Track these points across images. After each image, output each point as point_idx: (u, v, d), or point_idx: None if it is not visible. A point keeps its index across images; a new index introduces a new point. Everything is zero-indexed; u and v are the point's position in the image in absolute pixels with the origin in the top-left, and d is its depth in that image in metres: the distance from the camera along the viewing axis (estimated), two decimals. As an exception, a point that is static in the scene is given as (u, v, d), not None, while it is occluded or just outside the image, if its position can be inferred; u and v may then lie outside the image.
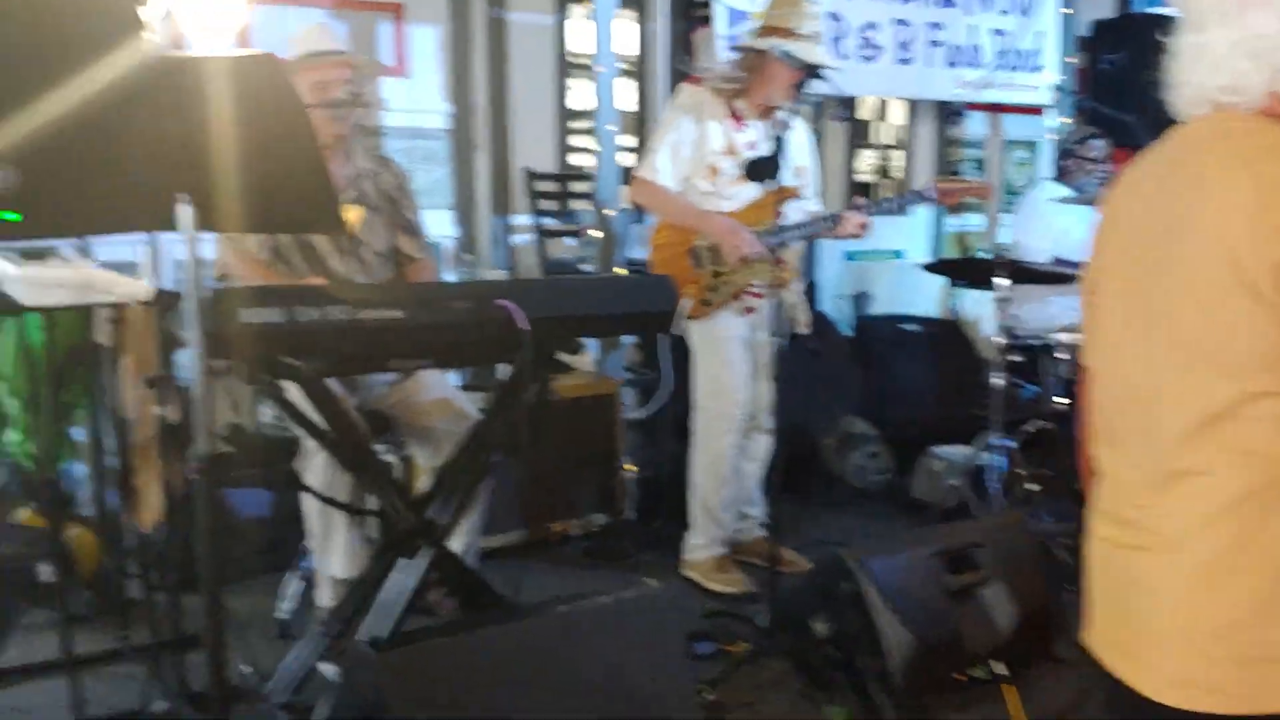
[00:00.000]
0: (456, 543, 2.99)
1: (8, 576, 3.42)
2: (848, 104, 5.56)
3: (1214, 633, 1.31)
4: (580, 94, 5.29)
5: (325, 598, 3.20)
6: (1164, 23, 4.80)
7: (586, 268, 4.78)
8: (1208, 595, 1.32)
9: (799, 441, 4.65)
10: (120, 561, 3.01)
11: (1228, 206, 1.28)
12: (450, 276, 4.79)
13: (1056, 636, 2.93)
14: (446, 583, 3.00)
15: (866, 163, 6.39)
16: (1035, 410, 4.60)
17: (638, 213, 5.16)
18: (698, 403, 3.79)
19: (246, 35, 4.27)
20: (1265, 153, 1.30)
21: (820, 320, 5.01)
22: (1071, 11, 5.71)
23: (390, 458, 3.68)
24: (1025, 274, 4.08)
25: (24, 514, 3.56)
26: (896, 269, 6.33)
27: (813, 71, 3.40)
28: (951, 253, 6.63)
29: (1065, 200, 4.48)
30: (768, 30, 3.63)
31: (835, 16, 4.74)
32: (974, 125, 6.55)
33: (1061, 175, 4.84)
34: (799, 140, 3.86)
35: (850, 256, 6.18)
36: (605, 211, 4.34)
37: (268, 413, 3.54)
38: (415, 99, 4.83)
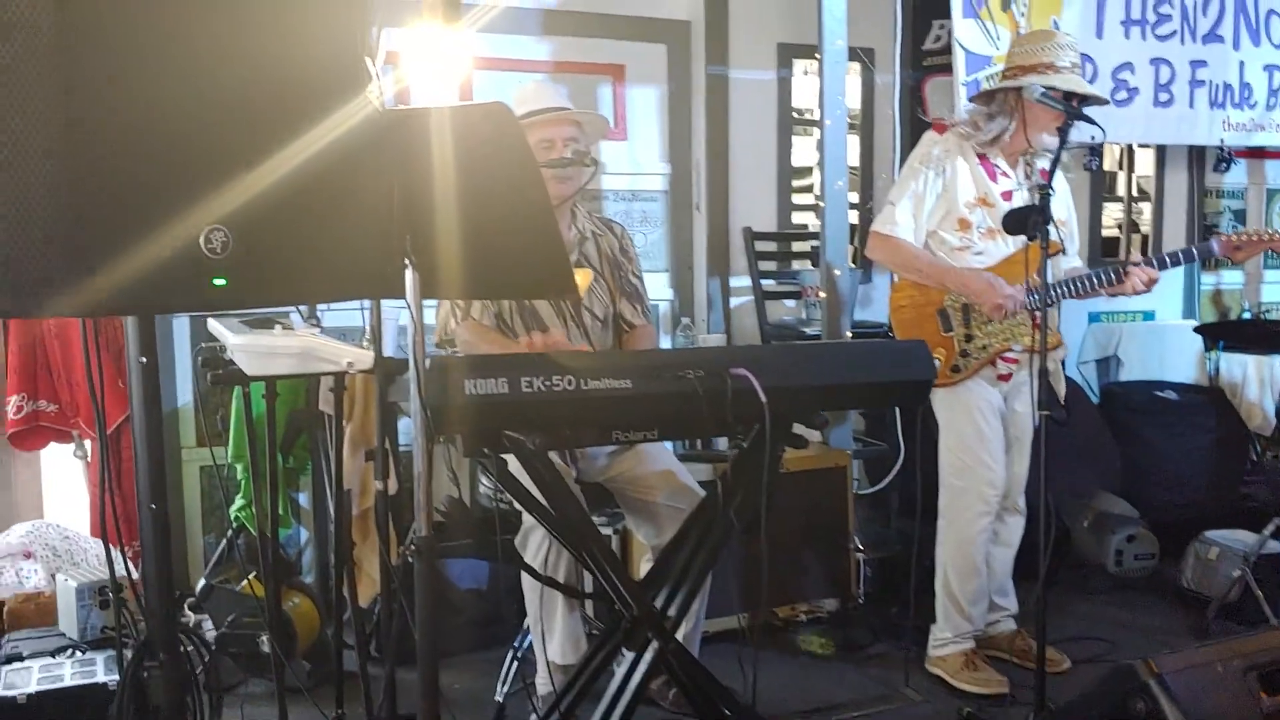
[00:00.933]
0: (680, 628, 2.75)
1: (230, 644, 3.40)
2: (1096, 151, 5.12)
3: None
4: (802, 151, 5.06)
5: (543, 682, 3.01)
6: None
7: (810, 330, 4.51)
8: None
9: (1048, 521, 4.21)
10: (339, 634, 2.92)
11: None
12: (665, 340, 4.62)
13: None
14: (671, 674, 2.75)
15: (1111, 216, 5.90)
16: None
17: (864, 272, 4.88)
18: (945, 481, 3.45)
19: (468, 97, 4.26)
20: None
21: (1066, 387, 4.57)
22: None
23: (608, 531, 3.50)
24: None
25: (247, 581, 3.54)
26: (1147, 331, 5.77)
27: (1076, 112, 3.04)
28: (1208, 312, 6.02)
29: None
30: (1022, 69, 3.31)
31: (1086, 58, 4.34)
32: (1233, 173, 5.96)
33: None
34: (1058, 190, 3.49)
35: (1094, 318, 5.68)
36: (833, 271, 4.06)
37: (486, 482, 3.41)
38: (634, 160, 4.71)
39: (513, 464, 2.42)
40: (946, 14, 4.84)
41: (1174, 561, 4.25)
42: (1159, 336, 5.71)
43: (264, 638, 3.26)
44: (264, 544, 2.90)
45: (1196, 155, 5.75)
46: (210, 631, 3.47)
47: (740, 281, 4.87)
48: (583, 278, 2.78)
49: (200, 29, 1.41)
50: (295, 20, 1.52)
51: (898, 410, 4.09)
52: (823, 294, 4.14)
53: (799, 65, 4.97)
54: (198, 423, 4.15)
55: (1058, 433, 4.48)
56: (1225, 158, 5.13)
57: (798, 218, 5.08)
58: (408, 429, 2.69)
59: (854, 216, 4.65)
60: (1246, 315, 5.98)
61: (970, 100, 3.58)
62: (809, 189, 5.20)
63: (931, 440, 4.00)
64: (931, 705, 3.32)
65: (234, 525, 3.74)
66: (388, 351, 2.44)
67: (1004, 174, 3.40)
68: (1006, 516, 3.52)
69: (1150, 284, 3.28)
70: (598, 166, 2.86)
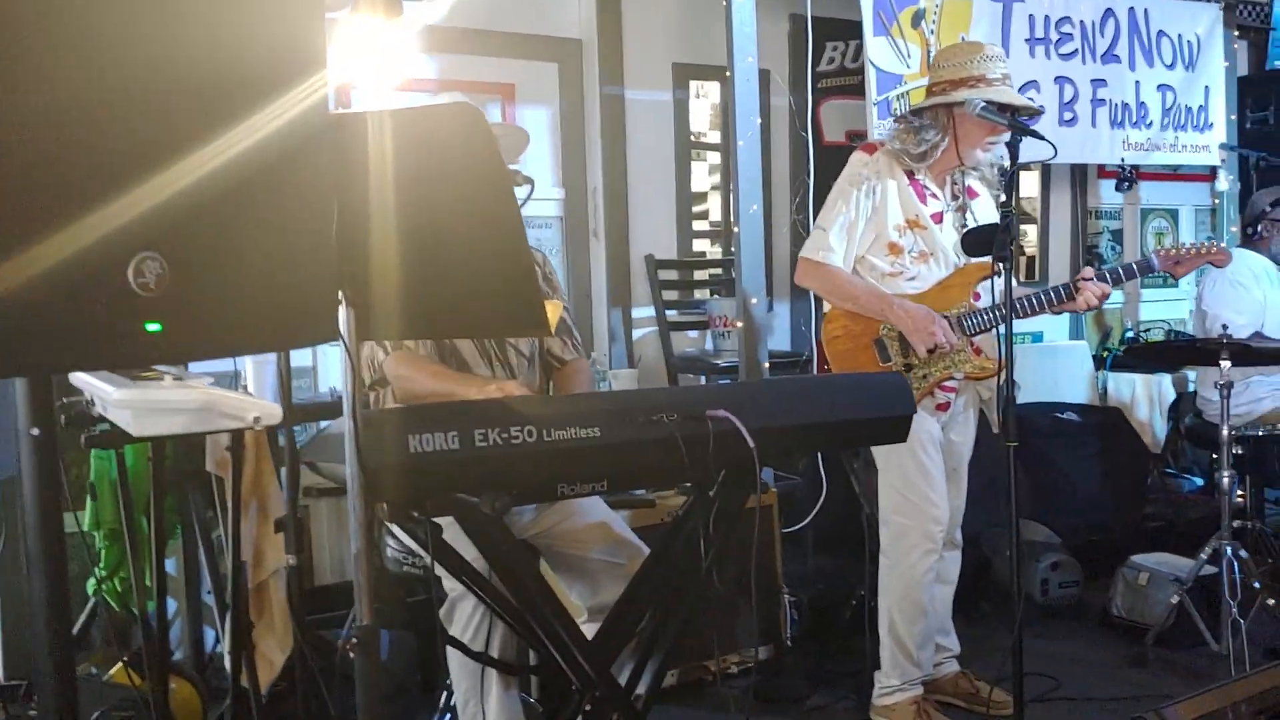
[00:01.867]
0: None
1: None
2: (1003, 172, 5.07)
3: None
4: (700, 175, 4.87)
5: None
6: None
7: (721, 363, 4.28)
8: None
9: (970, 554, 4.08)
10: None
11: None
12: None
13: None
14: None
15: (998, 238, 5.90)
16: (1239, 508, 4.02)
17: (769, 300, 4.70)
18: (887, 518, 3.25)
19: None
20: None
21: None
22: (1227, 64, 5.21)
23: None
24: (1251, 355, 3.52)
25: (114, 667, 3.08)
26: (1039, 353, 5.77)
27: (1020, 126, 2.90)
28: (1091, 332, 6.08)
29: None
30: (952, 83, 3.15)
31: (994, 76, 4.27)
32: (1108, 194, 6.05)
33: (1252, 242, 4.29)
34: (986, 207, 3.36)
35: (989, 341, 5.64)
36: (749, 300, 3.85)
37: (395, 544, 3.05)
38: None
39: (448, 528, 2.10)
40: (841, 36, 4.74)
41: (1094, 585, 4.18)
42: (1051, 358, 5.72)
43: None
44: (144, 624, 2.47)
45: (1079, 175, 5.80)
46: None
47: (642, 312, 4.62)
48: (552, 310, 2.46)
49: (119, 8, 1.06)
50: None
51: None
52: (738, 324, 3.92)
53: (695, 86, 4.78)
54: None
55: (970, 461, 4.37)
56: (1127, 177, 5.16)
57: (697, 245, 4.87)
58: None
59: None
60: (1129, 334, 6.06)
61: (895, 119, 3.41)
62: (705, 215, 5.01)
63: (843, 473, 3.84)
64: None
65: (92, 601, 3.27)
66: (267, 398, 2.09)
67: (933, 195, 3.25)
68: (945, 552, 3.34)
69: (1103, 299, 3.16)
70: (532, 185, 2.56)
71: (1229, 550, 3.46)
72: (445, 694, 2.80)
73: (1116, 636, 3.91)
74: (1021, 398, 5.52)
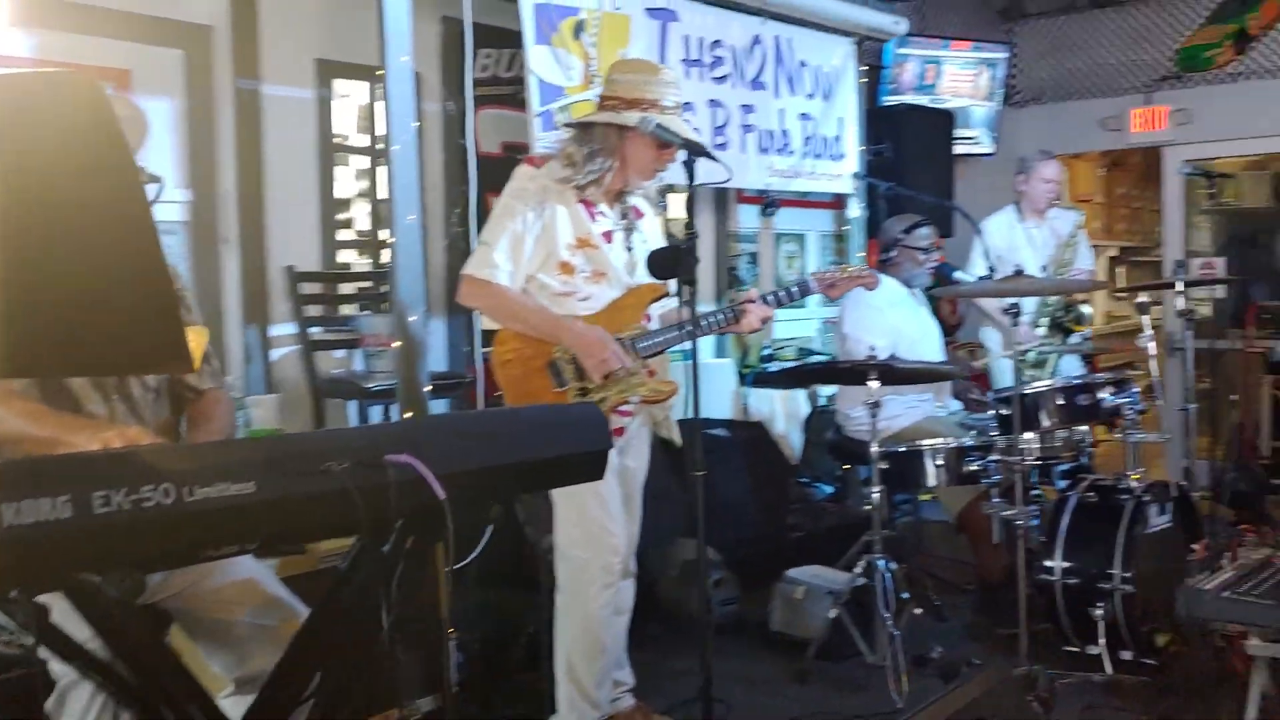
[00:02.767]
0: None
1: None
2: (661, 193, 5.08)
3: None
4: (344, 181, 4.48)
5: None
6: (922, 114, 4.64)
7: (374, 385, 3.94)
8: None
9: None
10: None
11: None
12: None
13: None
14: None
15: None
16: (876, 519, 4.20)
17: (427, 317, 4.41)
18: (565, 553, 3.07)
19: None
20: None
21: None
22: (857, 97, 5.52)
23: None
24: (898, 376, 3.67)
25: None
26: (687, 371, 5.84)
27: (701, 149, 2.83)
28: (734, 352, 6.25)
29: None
30: (625, 102, 3.03)
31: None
32: (746, 218, 6.25)
33: (886, 267, 4.53)
34: (651, 227, 3.28)
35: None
36: (408, 317, 3.55)
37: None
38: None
39: (58, 608, 1.67)
40: (494, 44, 4.55)
41: (749, 600, 4.23)
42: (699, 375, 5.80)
43: None
44: None
45: (721, 199, 5.95)
46: None
47: (281, 330, 4.18)
48: (195, 339, 2.03)
49: None
50: None
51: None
52: (394, 342, 3.61)
53: (339, 85, 4.40)
54: None
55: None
56: (772, 203, 5.30)
57: (342, 256, 4.48)
58: None
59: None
60: (766, 351, 6.28)
61: (566, 129, 3.25)
62: (351, 224, 4.63)
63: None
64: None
65: None
66: None
67: (601, 214, 3.12)
68: (620, 582, 3.22)
69: (765, 321, 3.16)
70: (160, 185, 2.14)
71: (881, 564, 3.58)
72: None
73: (777, 652, 3.96)
74: (673, 415, 5.59)
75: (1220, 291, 7.44)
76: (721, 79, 4.61)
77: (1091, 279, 5.51)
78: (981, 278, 4.44)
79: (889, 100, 6.46)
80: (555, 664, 3.11)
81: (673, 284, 3.26)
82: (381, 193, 4.29)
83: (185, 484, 1.52)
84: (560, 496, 3.04)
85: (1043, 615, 3.72)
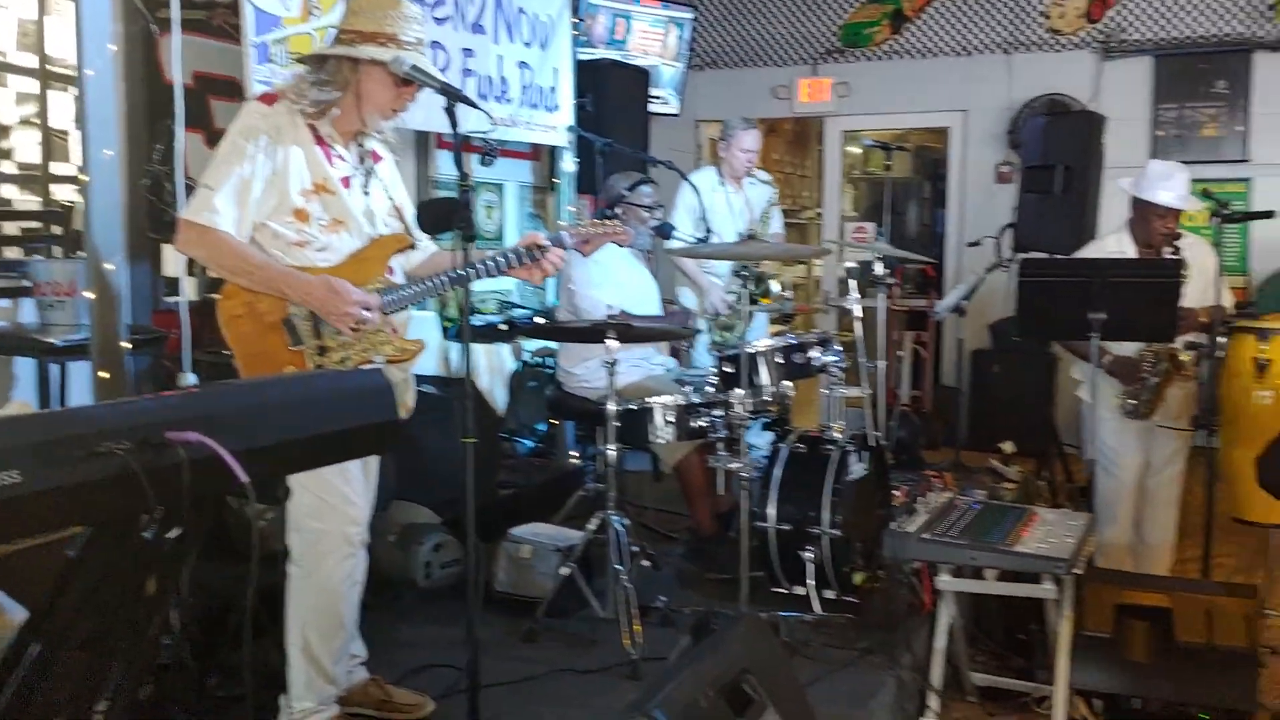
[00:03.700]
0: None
1: None
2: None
3: None
4: (6, 105, 3.91)
5: None
6: (621, 70, 4.73)
7: (56, 340, 3.48)
8: None
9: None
10: None
11: None
12: None
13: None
14: None
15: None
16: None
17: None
18: (299, 524, 2.86)
19: None
20: None
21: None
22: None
23: None
24: (634, 334, 3.70)
25: None
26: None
27: (457, 92, 2.68)
28: (435, 305, 6.09)
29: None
30: (362, 35, 2.82)
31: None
32: (445, 164, 6.08)
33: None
34: (391, 174, 3.10)
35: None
36: (103, 264, 3.16)
37: None
38: None
39: None
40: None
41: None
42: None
43: None
44: None
45: (423, 144, 5.74)
46: None
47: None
48: None
49: None
50: None
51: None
52: (84, 293, 3.20)
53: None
54: None
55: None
56: (490, 151, 5.15)
57: (1, 191, 3.92)
58: None
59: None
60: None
61: (302, 64, 2.98)
62: (11, 154, 4.06)
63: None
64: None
65: None
66: None
67: (340, 157, 2.91)
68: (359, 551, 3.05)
69: (556, 266, 3.08)
70: None
71: (615, 520, 3.62)
72: None
73: (503, 612, 3.91)
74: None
75: (869, 254, 8.11)
76: (443, 20, 4.41)
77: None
78: (698, 239, 4.57)
79: (585, 54, 6.47)
80: (289, 643, 2.90)
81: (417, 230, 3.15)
82: (56, 121, 3.77)
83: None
84: (298, 465, 2.82)
85: (755, 561, 3.91)
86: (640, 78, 6.49)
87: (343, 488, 2.85)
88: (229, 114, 2.95)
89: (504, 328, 5.56)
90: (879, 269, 4.44)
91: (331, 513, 2.84)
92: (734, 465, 3.69)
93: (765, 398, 4.04)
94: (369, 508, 3.02)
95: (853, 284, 4.22)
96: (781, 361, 3.92)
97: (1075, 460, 5.48)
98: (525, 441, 6.05)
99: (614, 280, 4.32)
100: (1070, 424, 6.04)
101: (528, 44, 4.93)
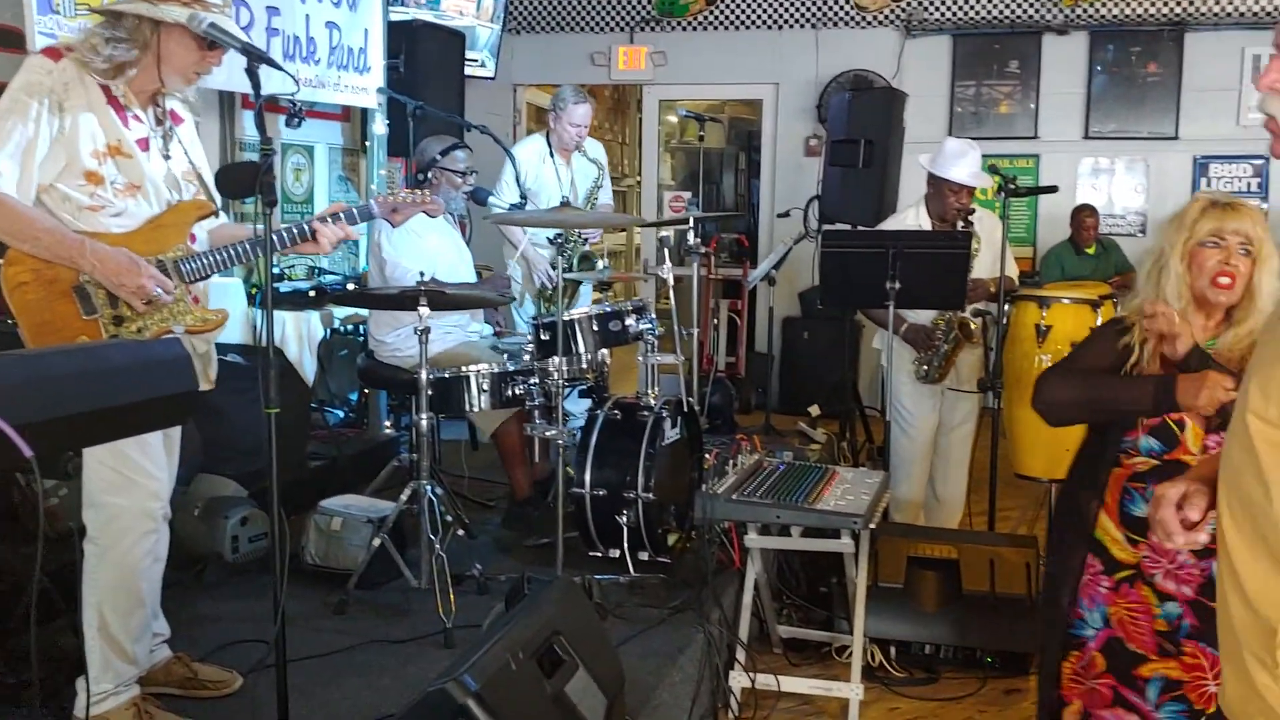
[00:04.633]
0: None
1: None
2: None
3: None
4: None
5: None
6: (434, 32, 4.70)
7: None
8: None
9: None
10: None
11: None
12: None
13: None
14: None
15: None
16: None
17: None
18: (96, 500, 2.74)
19: None
20: None
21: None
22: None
23: None
24: (447, 301, 3.68)
25: None
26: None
27: (261, 54, 2.59)
28: (241, 271, 5.88)
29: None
30: (161, -8, 2.69)
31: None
32: (250, 126, 5.86)
33: (422, 189, 4.47)
34: (191, 136, 2.99)
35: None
36: None
37: None
38: None
39: None
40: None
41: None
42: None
43: None
44: None
45: (228, 104, 5.51)
46: None
47: None
48: None
49: None
50: None
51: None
52: None
53: None
54: None
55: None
56: (297, 113, 4.95)
57: None
58: None
59: None
60: (276, 270, 5.97)
61: (92, 16, 2.83)
62: None
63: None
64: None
65: None
66: None
67: (136, 118, 2.78)
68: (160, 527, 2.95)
69: (341, 240, 3.01)
70: None
71: (429, 489, 3.61)
72: None
73: (313, 584, 3.85)
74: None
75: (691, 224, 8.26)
76: (246, -24, 4.25)
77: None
78: (513, 205, 4.56)
79: (398, 14, 6.33)
80: (84, 623, 2.78)
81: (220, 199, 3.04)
82: None
83: None
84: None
85: (571, 526, 3.97)
86: (455, 40, 6.40)
87: (142, 461, 2.74)
88: (11, 67, 2.77)
89: (313, 295, 5.41)
90: (691, 238, 4.54)
91: (130, 487, 2.73)
92: (550, 433, 3.72)
93: (582, 365, 4.10)
94: (170, 481, 2.91)
95: (665, 253, 4.30)
96: (597, 329, 3.97)
97: (877, 422, 5.76)
98: (336, 412, 5.93)
99: (425, 248, 4.27)
100: (873, 388, 6.34)
101: (336, 3, 4.79)
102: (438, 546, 3.51)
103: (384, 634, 3.50)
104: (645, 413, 4.01)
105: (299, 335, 5.73)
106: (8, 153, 2.56)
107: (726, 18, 8.38)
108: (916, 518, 4.85)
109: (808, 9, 8.22)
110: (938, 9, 8.14)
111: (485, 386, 3.85)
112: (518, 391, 3.88)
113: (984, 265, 4.60)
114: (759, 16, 8.32)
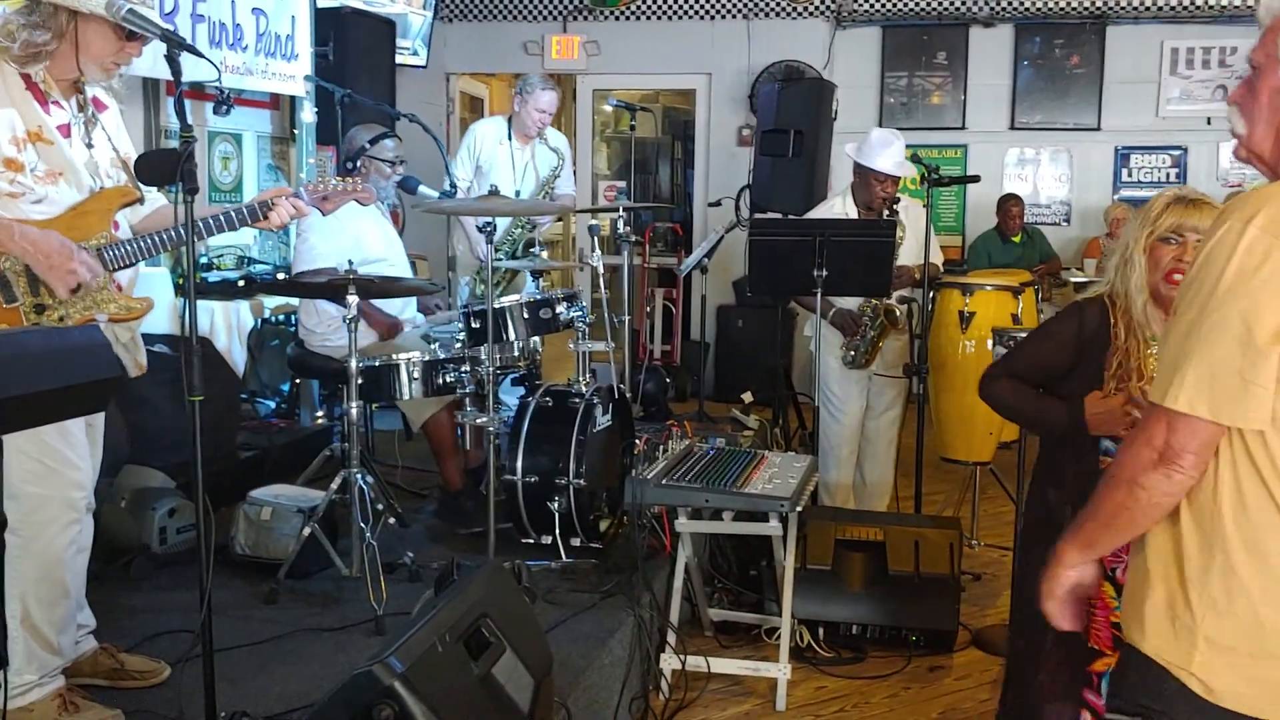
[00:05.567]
0: None
1: None
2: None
3: None
4: None
5: None
6: (365, 20, 4.69)
7: None
8: None
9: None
10: None
11: None
12: None
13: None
14: None
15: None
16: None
17: None
18: (18, 491, 2.69)
19: None
20: None
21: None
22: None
23: None
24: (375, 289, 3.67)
25: None
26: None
27: (181, 41, 2.58)
28: (167, 260, 5.80)
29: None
30: (79, -18, 2.66)
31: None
32: (173, 113, 5.77)
33: (352, 176, 4.46)
34: (115, 123, 2.96)
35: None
36: None
37: None
38: None
39: None
40: None
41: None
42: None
43: None
44: None
45: (149, 91, 5.43)
46: None
47: None
48: None
49: None
50: None
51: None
52: None
53: None
54: None
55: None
56: (225, 100, 4.90)
57: None
58: None
59: None
60: (204, 260, 5.91)
61: (11, 2, 2.79)
62: None
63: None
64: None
65: None
66: None
67: (57, 103, 2.75)
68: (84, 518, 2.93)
69: (293, 216, 3.00)
70: None
71: (359, 478, 3.60)
72: None
73: (242, 574, 3.83)
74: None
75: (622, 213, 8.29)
76: (170, -39, 4.19)
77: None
78: (443, 193, 4.55)
79: (326, 0, 6.27)
80: (7, 612, 2.74)
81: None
82: None
83: None
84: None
85: (504, 514, 3.99)
86: (385, 27, 6.36)
87: (64, 450, 2.72)
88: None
89: (242, 284, 5.36)
90: (621, 227, 4.57)
91: (52, 477, 2.71)
92: (481, 421, 3.74)
93: (514, 353, 4.11)
94: (94, 471, 2.89)
95: (595, 241, 4.33)
96: (528, 317, 3.99)
97: (809, 408, 5.84)
98: (268, 402, 5.88)
99: (349, 237, 4.25)
100: (805, 374, 6.43)
101: (262, -9, 4.75)
102: (368, 535, 3.51)
103: (314, 622, 3.49)
104: (577, 400, 4.04)
105: (228, 325, 5.67)
106: (-79, 138, 2.52)
107: (659, 7, 8.42)
108: (846, 501, 4.94)
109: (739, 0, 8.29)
110: (868, 1, 8.24)
111: (416, 375, 3.85)
112: (449, 379, 3.89)
113: (909, 253, 4.70)
114: (692, 6, 8.37)
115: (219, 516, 4.00)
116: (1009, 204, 7.85)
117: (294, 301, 5.19)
